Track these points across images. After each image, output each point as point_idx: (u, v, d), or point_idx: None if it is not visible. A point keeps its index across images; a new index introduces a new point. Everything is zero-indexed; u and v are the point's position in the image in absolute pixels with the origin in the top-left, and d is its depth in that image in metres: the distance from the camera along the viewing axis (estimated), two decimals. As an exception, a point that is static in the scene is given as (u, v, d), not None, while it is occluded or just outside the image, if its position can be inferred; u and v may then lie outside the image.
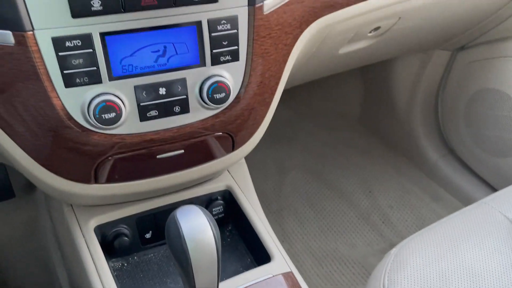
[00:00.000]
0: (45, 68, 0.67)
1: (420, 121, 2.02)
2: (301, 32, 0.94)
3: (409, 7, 1.12)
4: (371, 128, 2.29)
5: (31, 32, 0.64)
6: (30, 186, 1.47)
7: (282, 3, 0.84)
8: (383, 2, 1.03)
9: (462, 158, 1.91)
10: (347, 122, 2.34)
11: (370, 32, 1.19)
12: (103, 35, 0.69)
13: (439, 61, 1.85)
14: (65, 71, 0.68)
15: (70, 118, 0.72)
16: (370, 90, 2.20)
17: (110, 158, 0.80)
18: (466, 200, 1.85)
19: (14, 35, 0.64)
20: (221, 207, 1.09)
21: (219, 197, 1.09)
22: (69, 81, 0.69)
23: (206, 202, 1.08)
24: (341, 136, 2.28)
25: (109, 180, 0.85)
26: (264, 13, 0.80)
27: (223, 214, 1.10)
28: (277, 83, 0.94)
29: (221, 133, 0.88)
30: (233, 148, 0.95)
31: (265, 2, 0.79)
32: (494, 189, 1.78)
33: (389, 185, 2.04)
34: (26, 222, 1.48)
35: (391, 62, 1.95)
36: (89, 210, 0.99)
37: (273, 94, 0.94)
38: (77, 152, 0.78)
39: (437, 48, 1.78)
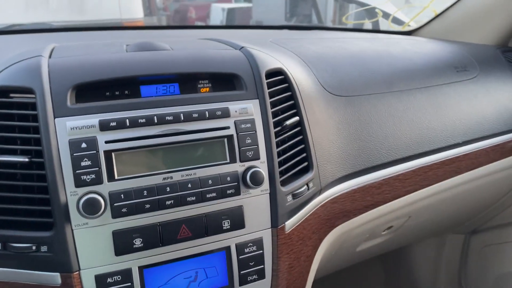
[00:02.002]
0: (85, 305, 0.71)
1: (449, 307, 1.93)
2: (320, 242, 1.00)
3: (417, 207, 1.20)
4: (398, 315, 2.17)
5: (77, 272, 0.70)
6: None
7: (302, 220, 0.92)
8: (392, 207, 1.11)
9: None
10: (372, 309, 2.23)
11: (384, 231, 1.25)
12: (141, 268, 0.74)
13: (454, 244, 1.87)
14: (103, 306, 0.72)
15: None
16: (392, 276, 2.16)
17: None
18: None
19: (61, 276, 0.70)
20: None
21: None
22: (107, 316, 0.72)
23: None
24: (368, 327, 2.15)
25: None
26: (286, 232, 0.87)
27: None
28: (302, 295, 0.96)
29: None
30: None
31: (286, 222, 0.87)
32: None
33: None
34: None
35: (408, 247, 1.97)
36: None
37: (299, 306, 0.95)
38: None
39: (449, 232, 1.82)
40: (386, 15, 1.88)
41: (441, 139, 1.16)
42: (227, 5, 7.66)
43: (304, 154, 0.92)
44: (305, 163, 0.92)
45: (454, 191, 1.27)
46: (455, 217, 1.54)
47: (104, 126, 0.72)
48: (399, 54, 1.25)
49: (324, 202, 0.97)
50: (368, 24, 2.08)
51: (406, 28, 1.76)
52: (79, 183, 0.70)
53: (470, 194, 1.37)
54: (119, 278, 0.72)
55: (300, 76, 0.98)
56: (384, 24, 1.98)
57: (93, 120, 0.72)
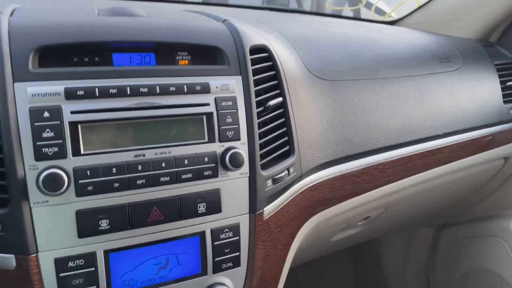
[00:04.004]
0: (43, 290, 0.64)
1: (415, 299, 1.95)
2: (298, 230, 0.96)
3: (394, 198, 1.18)
4: (365, 306, 2.18)
5: (34, 255, 0.63)
6: None
7: (280, 206, 0.87)
8: (371, 197, 1.09)
9: None
10: (340, 300, 2.24)
11: (361, 221, 1.23)
12: (107, 252, 0.68)
13: (424, 238, 1.88)
14: (63, 293, 0.65)
15: None
16: (361, 267, 2.16)
17: None
18: None
19: (16, 258, 0.63)
20: None
21: None
22: (66, 303, 0.65)
23: None
24: (335, 318, 2.15)
25: None
26: (264, 219, 0.83)
27: None
28: (276, 285, 0.92)
29: None
30: None
31: (264, 208, 0.83)
32: None
33: None
34: None
35: (379, 240, 1.98)
36: None
37: (273, 296, 0.91)
38: None
39: (421, 226, 1.83)
40: (368, 4, 1.85)
41: (422, 130, 1.14)
42: (204, -10, 7.51)
43: (286, 138, 0.87)
44: (287, 147, 0.88)
45: (430, 183, 1.26)
46: (429, 210, 1.54)
47: (70, 95, 0.64)
48: (384, 41, 1.22)
49: (303, 189, 0.93)
50: (349, 12, 2.05)
51: (388, 18, 1.73)
52: (39, 156, 0.62)
53: (445, 187, 1.37)
54: (81, 262, 0.66)
55: (285, 56, 0.93)
56: (365, 13, 1.96)
57: (58, 87, 0.64)
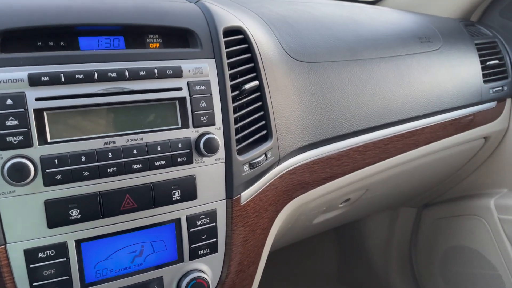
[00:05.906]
0: (13, 282, 0.63)
1: (398, 278, 1.98)
2: (277, 214, 0.95)
3: (375, 180, 1.18)
4: (350, 286, 2.21)
5: (2, 246, 0.62)
6: None
7: (258, 191, 0.86)
8: (350, 179, 1.08)
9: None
10: (325, 280, 2.27)
11: (341, 203, 1.23)
12: (78, 242, 0.67)
13: (407, 217, 1.91)
14: (34, 284, 0.64)
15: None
16: (345, 247, 2.19)
17: None
18: None
19: (-17, 251, 0.61)
20: None
21: None
22: (37, 294, 0.64)
23: None
24: (320, 296, 2.18)
25: None
26: (242, 204, 0.82)
27: None
28: (256, 268, 0.91)
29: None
30: None
31: (242, 194, 0.82)
32: None
33: None
34: None
35: (363, 220, 1.99)
36: None
37: (252, 280, 0.91)
38: None
39: (402, 206, 1.85)
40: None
41: (402, 111, 1.13)
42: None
43: (263, 122, 0.86)
44: (264, 131, 0.86)
45: (411, 164, 1.26)
46: (410, 191, 1.55)
47: (35, 81, 0.62)
48: (364, 21, 1.20)
49: (282, 173, 0.93)
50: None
51: (370, -2, 1.71)
52: (3, 145, 0.60)
53: (425, 168, 1.37)
54: (52, 253, 0.64)
55: (261, 38, 0.90)
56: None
57: (22, 73, 0.62)
